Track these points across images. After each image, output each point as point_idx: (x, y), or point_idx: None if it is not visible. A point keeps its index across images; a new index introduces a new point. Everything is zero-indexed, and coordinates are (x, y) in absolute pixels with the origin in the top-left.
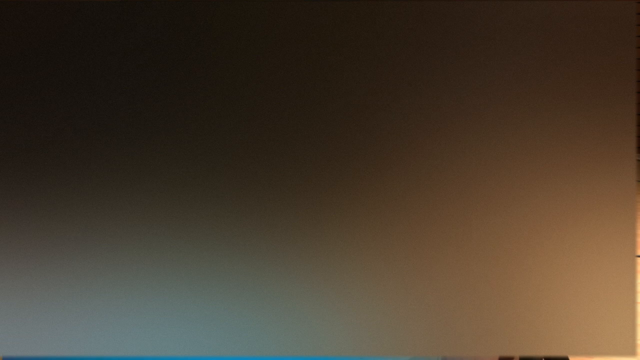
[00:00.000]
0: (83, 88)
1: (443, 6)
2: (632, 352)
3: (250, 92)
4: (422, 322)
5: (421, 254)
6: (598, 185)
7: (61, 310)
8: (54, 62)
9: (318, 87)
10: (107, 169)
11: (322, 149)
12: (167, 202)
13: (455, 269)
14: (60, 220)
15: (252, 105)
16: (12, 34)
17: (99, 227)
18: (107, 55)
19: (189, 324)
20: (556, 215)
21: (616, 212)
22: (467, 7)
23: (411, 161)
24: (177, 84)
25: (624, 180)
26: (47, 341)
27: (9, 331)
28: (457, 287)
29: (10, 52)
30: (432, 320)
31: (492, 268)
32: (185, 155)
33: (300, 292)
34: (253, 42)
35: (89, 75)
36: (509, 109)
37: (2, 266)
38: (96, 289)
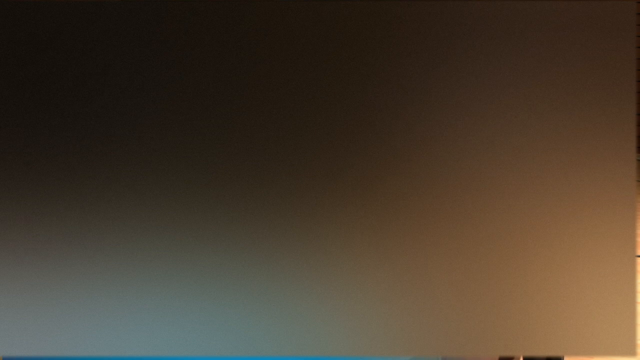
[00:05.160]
0: (84, 89)
1: (443, 6)
2: (632, 352)
3: (250, 92)
4: (421, 322)
5: (421, 254)
6: (598, 185)
7: (61, 310)
8: (54, 62)
9: (317, 88)
10: (107, 169)
11: (322, 149)
12: (167, 203)
13: (455, 269)
14: (61, 221)
15: (252, 105)
16: (12, 34)
17: (99, 228)
18: (107, 56)
19: (189, 324)
20: (556, 215)
21: (616, 212)
22: (468, 7)
23: (410, 161)
24: (177, 85)
25: (624, 180)
26: (47, 341)
27: (9, 331)
28: (457, 287)
29: (11, 52)
30: (432, 320)
31: (492, 268)
32: (185, 155)
33: (300, 292)
34: (253, 43)
35: (90, 76)
36: (509, 109)
37: (2, 266)
38: (96, 289)
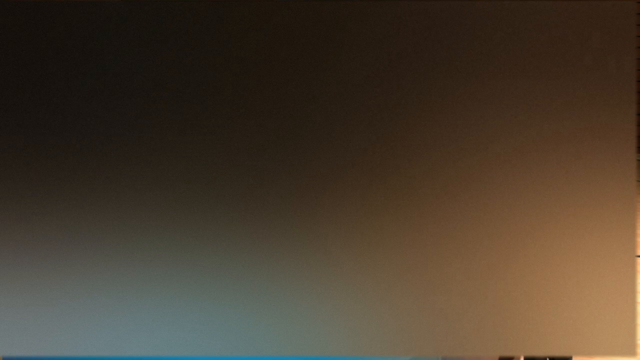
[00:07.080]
0: (84, 89)
1: (443, 6)
2: (632, 352)
3: (250, 92)
4: (422, 322)
5: (421, 255)
6: (598, 185)
7: (62, 310)
8: (54, 62)
9: (316, 88)
10: (107, 169)
11: (322, 149)
12: (167, 203)
13: (455, 269)
14: (61, 221)
15: (251, 105)
16: (12, 34)
17: (99, 228)
18: (107, 56)
19: (189, 324)
20: (556, 215)
21: (616, 212)
22: (468, 7)
23: (410, 161)
24: (177, 85)
25: (624, 180)
26: (47, 341)
27: (9, 331)
28: (458, 287)
29: (11, 52)
30: (432, 320)
31: (493, 268)
32: (185, 155)
33: (300, 292)
34: (253, 42)
35: (90, 76)
36: (509, 108)
37: (2, 266)
38: (96, 289)
